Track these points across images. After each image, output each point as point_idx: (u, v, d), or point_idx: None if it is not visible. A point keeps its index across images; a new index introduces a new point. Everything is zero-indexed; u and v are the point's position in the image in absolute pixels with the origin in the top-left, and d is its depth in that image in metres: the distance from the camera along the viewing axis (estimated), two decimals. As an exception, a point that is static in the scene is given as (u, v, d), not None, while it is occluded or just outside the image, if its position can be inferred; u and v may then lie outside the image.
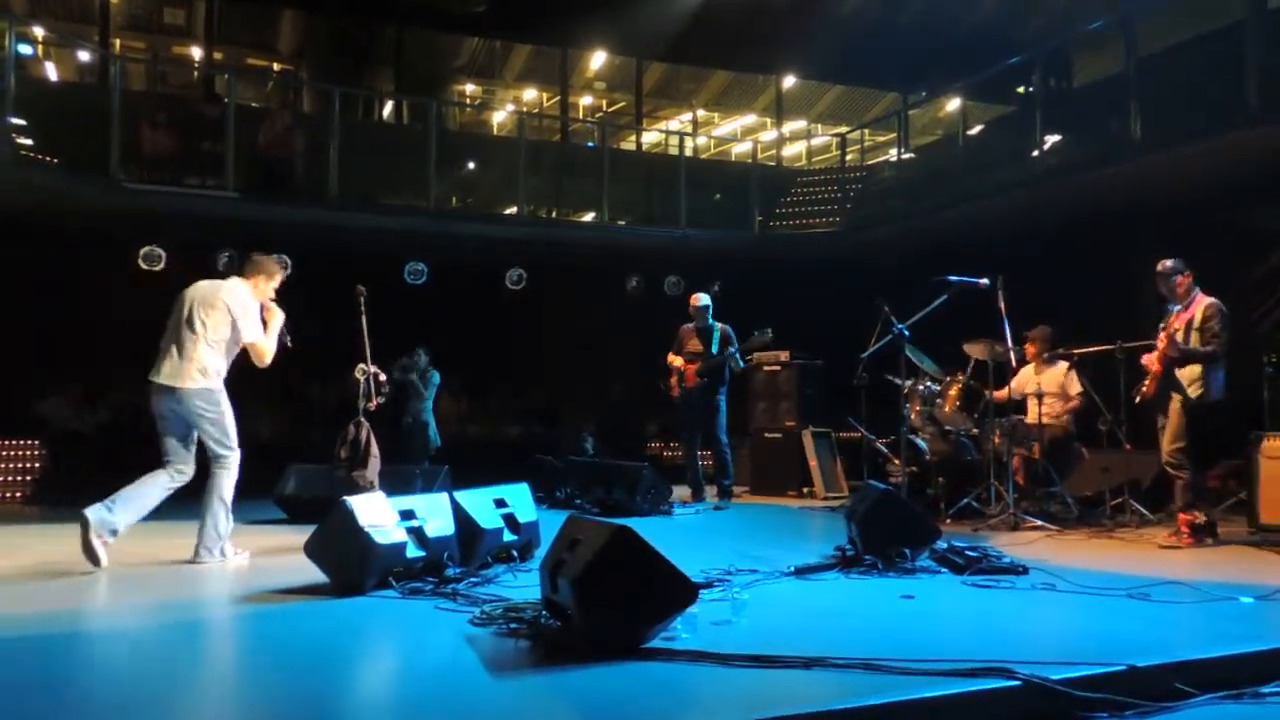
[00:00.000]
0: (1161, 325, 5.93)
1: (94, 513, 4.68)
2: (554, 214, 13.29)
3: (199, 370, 4.92)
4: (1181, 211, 8.74)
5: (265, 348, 5.18)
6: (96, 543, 4.65)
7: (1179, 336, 5.78)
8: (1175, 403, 5.78)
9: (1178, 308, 5.92)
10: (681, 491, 8.39)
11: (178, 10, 15.16)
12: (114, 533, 4.74)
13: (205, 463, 5.05)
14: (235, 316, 5.04)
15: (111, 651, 3.34)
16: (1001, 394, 7.14)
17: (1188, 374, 5.77)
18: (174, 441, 4.96)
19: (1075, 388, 7.22)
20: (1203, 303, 5.83)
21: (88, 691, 2.82)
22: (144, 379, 5.00)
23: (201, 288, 5.11)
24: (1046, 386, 7.16)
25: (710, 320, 8.30)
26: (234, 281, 5.22)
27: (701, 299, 8.40)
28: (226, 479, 5.03)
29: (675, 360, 8.34)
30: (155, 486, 4.88)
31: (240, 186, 10.18)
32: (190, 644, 3.48)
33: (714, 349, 8.16)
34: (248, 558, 5.12)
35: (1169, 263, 5.97)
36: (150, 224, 10.57)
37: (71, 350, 10.84)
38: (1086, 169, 9.24)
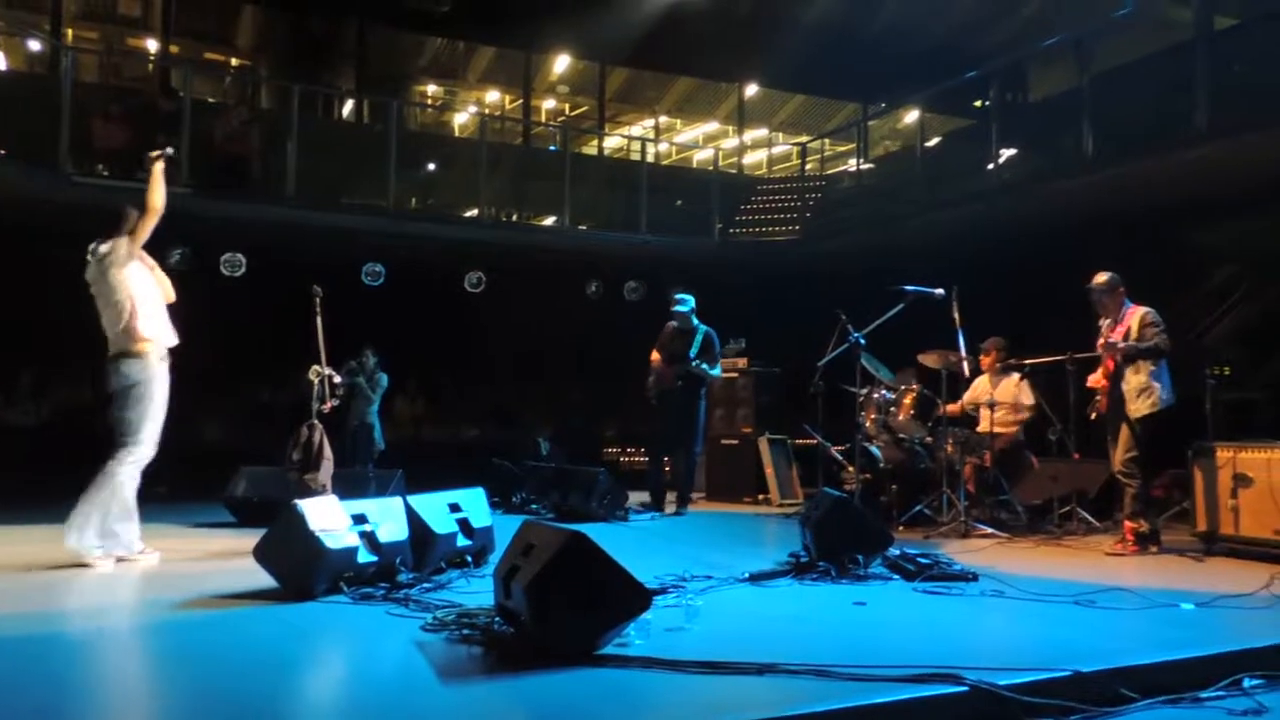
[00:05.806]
0: (1099, 341, 6.01)
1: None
2: (515, 217, 13.25)
3: None
4: (1132, 226, 8.92)
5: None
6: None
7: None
8: (1130, 414, 5.86)
9: (1109, 323, 6.00)
10: (638, 497, 8.36)
11: (133, 1, 14.87)
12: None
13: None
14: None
15: (49, 657, 3.25)
16: (955, 407, 7.19)
17: (1135, 386, 5.84)
18: None
19: (1028, 399, 7.32)
20: (1138, 312, 5.92)
21: (21, 699, 2.74)
22: (90, 374, 4.87)
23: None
24: (999, 397, 7.27)
25: (694, 322, 8.15)
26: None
27: (680, 299, 8.27)
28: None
29: (655, 358, 8.21)
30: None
31: (194, 182, 9.98)
32: (134, 649, 3.41)
33: (693, 352, 8.02)
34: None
35: (1105, 276, 6.03)
36: (100, 218, 10.29)
37: (15, 346, 10.56)
38: (1041, 182, 9.41)
